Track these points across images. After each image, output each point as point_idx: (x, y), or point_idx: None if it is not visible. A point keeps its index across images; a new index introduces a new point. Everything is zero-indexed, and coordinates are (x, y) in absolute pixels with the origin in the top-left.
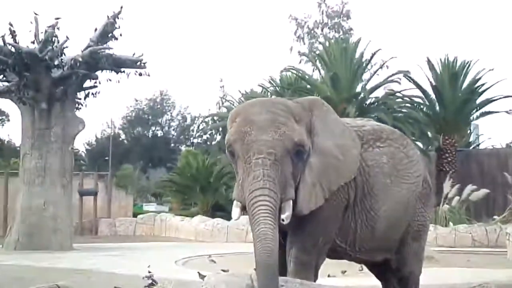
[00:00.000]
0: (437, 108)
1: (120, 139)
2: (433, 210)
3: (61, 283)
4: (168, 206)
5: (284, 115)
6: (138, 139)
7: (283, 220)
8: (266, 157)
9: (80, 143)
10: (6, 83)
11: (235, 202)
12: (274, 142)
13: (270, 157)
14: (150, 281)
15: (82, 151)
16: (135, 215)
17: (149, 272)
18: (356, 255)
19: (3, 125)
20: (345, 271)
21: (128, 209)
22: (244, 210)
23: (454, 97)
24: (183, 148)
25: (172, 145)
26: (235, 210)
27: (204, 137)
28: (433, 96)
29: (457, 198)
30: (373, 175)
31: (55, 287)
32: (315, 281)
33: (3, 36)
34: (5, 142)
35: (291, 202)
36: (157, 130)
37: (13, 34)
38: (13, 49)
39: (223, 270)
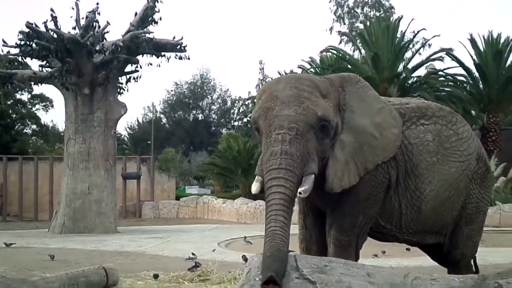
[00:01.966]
0: (481, 86)
1: (162, 123)
2: (490, 191)
3: (106, 265)
4: (210, 188)
5: (309, 90)
6: (179, 123)
7: (300, 193)
8: (287, 132)
9: (122, 127)
10: (49, 69)
11: (256, 177)
12: (296, 116)
13: (291, 132)
14: (194, 263)
15: (125, 135)
16: (177, 198)
17: (193, 254)
18: (404, 237)
19: (47, 111)
20: (385, 251)
21: (171, 192)
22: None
23: (498, 75)
24: (224, 131)
25: (213, 128)
26: (255, 185)
27: (245, 119)
28: (476, 74)
29: (502, 177)
30: (416, 154)
31: (101, 269)
32: (356, 261)
33: (45, 22)
34: (50, 127)
35: (312, 176)
36: (198, 113)
37: (54, 20)
38: (55, 35)
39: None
